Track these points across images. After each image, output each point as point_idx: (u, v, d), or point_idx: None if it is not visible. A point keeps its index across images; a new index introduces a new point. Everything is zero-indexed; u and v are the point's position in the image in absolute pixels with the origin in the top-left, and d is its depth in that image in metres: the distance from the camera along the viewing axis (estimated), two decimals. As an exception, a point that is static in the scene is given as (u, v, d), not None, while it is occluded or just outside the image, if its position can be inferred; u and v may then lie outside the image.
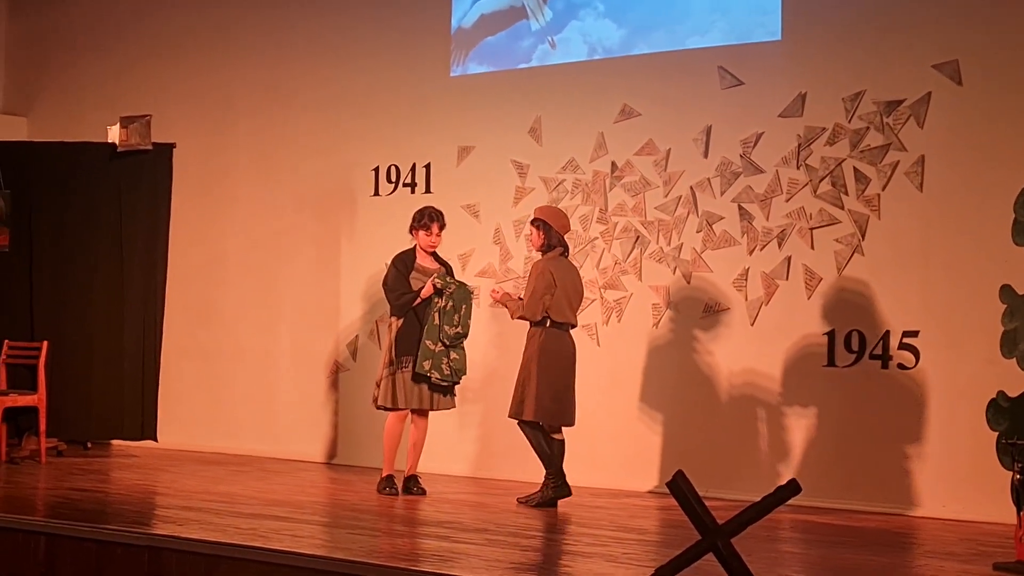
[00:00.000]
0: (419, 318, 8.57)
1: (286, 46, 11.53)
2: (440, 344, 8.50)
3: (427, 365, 8.49)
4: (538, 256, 8.63)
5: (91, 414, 10.90)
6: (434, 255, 8.82)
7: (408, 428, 8.76)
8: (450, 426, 9.93)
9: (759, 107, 9.20)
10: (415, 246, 8.78)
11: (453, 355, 8.55)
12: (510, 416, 8.45)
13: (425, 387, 8.58)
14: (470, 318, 8.63)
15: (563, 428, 8.42)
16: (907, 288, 8.63)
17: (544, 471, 8.37)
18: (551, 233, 8.48)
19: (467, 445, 10.16)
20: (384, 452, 8.79)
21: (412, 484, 8.75)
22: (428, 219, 8.73)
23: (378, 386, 8.67)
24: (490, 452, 10.03)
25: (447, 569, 5.82)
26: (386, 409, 8.66)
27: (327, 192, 11.12)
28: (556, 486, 8.30)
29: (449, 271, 8.81)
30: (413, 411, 8.69)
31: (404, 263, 8.71)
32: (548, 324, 8.34)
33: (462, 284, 8.68)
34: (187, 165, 11.38)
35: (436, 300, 8.54)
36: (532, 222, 8.62)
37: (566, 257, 8.59)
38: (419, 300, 8.57)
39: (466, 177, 10.46)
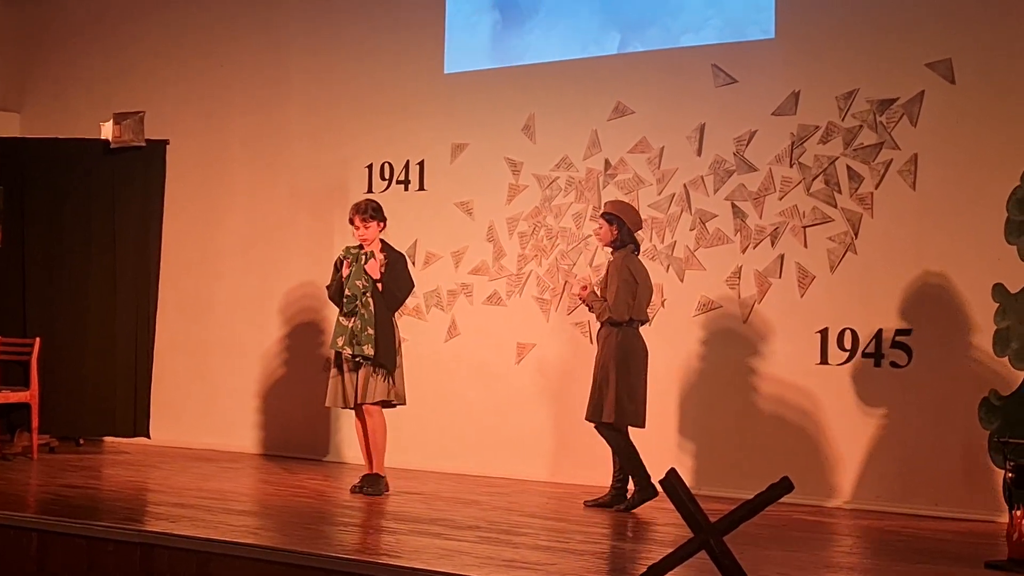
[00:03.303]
0: None
1: (280, 42, 11.52)
2: (349, 318, 8.45)
3: (340, 341, 8.46)
4: (608, 252, 8.50)
5: (83, 410, 10.89)
6: (385, 246, 8.67)
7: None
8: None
9: (752, 105, 9.20)
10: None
11: (355, 324, 8.42)
12: (587, 419, 8.34)
13: (351, 381, 8.46)
14: (358, 279, 8.47)
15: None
16: (900, 286, 8.63)
17: (630, 475, 8.24)
18: (624, 229, 8.35)
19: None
20: None
21: (362, 482, 8.60)
22: (351, 213, 8.63)
23: None
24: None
25: (439, 566, 5.82)
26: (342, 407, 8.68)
27: (321, 189, 11.11)
28: (642, 488, 8.18)
29: (396, 261, 8.60)
30: (370, 404, 8.53)
31: (339, 258, 8.69)
32: (624, 324, 8.23)
33: (359, 253, 8.55)
34: (181, 162, 11.37)
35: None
36: (603, 216, 8.41)
37: (637, 254, 8.46)
38: (343, 288, 8.53)
39: (460, 174, 10.45)
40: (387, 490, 8.61)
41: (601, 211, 8.60)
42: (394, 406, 8.65)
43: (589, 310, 8.49)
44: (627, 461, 8.25)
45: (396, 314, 8.72)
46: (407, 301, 10.32)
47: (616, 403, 8.13)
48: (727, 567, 4.81)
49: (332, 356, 8.63)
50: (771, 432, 8.99)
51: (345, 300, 8.47)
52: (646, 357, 8.31)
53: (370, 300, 8.47)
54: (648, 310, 8.49)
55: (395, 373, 8.54)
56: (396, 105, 10.80)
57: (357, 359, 8.44)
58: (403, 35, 10.83)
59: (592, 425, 8.38)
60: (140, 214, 11.10)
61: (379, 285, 8.51)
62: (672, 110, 9.53)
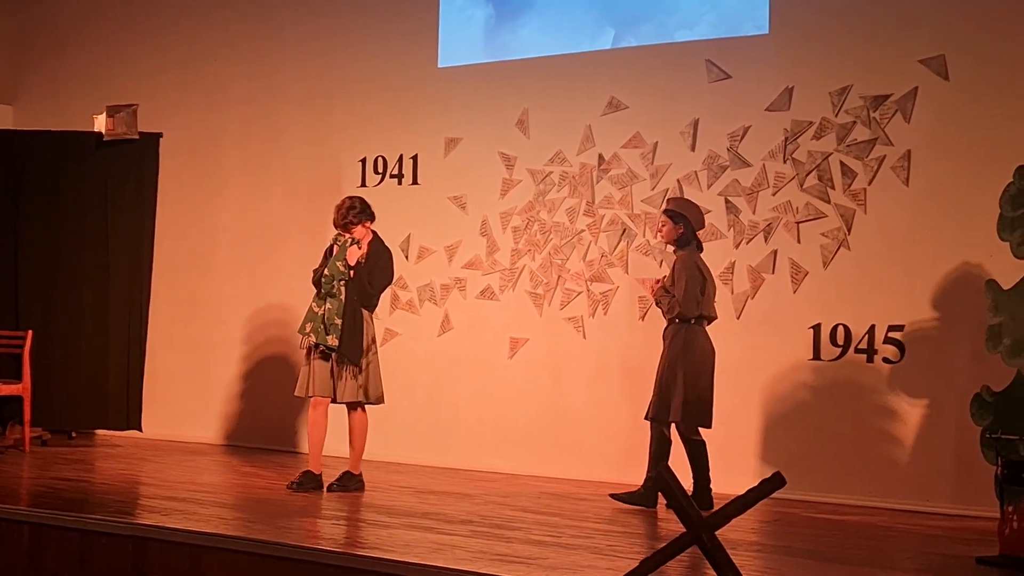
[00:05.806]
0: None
1: (274, 36, 11.51)
2: (322, 303, 8.39)
3: (308, 327, 8.37)
4: (669, 249, 8.38)
5: (76, 403, 10.87)
6: (375, 239, 8.58)
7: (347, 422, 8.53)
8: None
9: (746, 101, 9.21)
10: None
11: (326, 311, 8.35)
12: (650, 419, 8.17)
13: (320, 371, 8.32)
14: (338, 259, 8.43)
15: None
16: (893, 282, 8.64)
17: (649, 471, 8.14)
18: (688, 227, 8.19)
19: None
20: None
21: (339, 480, 8.45)
22: (333, 218, 8.59)
23: None
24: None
25: (431, 560, 5.83)
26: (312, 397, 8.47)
27: (315, 183, 11.10)
28: (648, 492, 8.08)
29: (379, 255, 8.52)
30: (346, 404, 8.41)
31: (329, 246, 8.64)
32: (692, 321, 8.10)
33: (346, 239, 8.53)
34: (174, 155, 11.35)
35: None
36: (667, 213, 8.25)
37: (700, 252, 8.32)
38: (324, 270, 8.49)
39: (453, 169, 10.45)
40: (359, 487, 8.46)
41: (664, 208, 8.44)
42: (369, 404, 8.47)
43: (656, 305, 8.39)
44: (658, 460, 8.10)
45: (375, 310, 8.55)
46: (400, 296, 10.37)
47: (683, 404, 8.03)
48: (719, 561, 4.81)
49: (306, 348, 8.53)
50: (763, 428, 9.00)
51: (323, 279, 8.44)
52: (713, 355, 8.17)
53: (342, 288, 8.41)
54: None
55: (367, 371, 8.35)
56: (390, 99, 10.79)
57: (320, 347, 8.35)
58: (397, 29, 10.83)
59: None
60: (133, 207, 11.08)
61: (352, 272, 8.44)
62: (666, 105, 9.54)
